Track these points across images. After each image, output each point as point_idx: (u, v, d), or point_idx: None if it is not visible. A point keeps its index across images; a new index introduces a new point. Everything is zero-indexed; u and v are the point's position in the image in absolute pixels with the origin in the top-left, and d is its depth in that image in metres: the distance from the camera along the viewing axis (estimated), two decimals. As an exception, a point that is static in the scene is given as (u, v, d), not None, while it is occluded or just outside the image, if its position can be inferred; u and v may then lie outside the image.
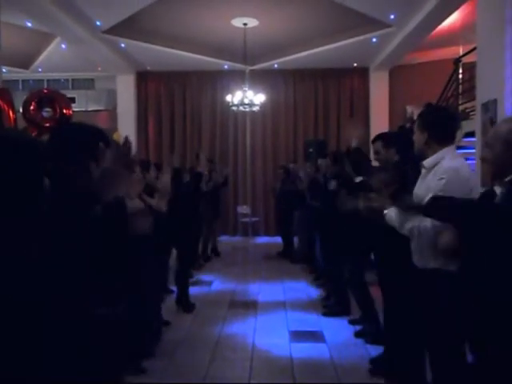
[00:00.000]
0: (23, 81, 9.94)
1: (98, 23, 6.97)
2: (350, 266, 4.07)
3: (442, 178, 2.11)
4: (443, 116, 2.34)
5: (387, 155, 3.36)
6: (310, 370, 3.26)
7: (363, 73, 9.77)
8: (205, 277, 6.14)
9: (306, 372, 3.22)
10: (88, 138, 1.76)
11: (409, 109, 8.85)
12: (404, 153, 3.06)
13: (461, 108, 6.59)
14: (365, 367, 3.23)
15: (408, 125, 6.64)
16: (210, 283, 5.84)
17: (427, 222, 2.10)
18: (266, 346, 3.69)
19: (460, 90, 6.94)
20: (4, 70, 9.36)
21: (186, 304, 4.67)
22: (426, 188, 2.22)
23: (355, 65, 9.55)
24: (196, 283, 5.71)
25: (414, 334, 2.68)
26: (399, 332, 2.92)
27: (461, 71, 6.85)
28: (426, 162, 2.28)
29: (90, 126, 1.95)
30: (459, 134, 5.62)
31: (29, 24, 7.27)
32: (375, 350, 3.42)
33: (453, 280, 2.11)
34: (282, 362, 3.39)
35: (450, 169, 2.14)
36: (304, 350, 3.59)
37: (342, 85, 9.84)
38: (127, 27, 7.44)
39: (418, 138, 2.31)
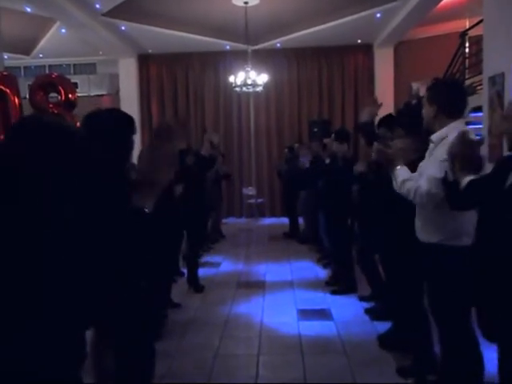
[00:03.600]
0: (25, 67, 9.89)
1: (97, 6, 6.88)
2: (359, 243, 4.10)
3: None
4: (453, 88, 2.30)
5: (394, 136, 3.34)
6: (318, 346, 3.31)
7: (367, 50, 9.62)
8: (213, 258, 6.20)
9: (314, 348, 3.27)
10: (121, 126, 1.74)
11: (414, 85, 8.71)
12: (412, 130, 3.03)
13: (467, 83, 6.48)
14: (373, 343, 3.27)
15: (414, 101, 6.56)
16: (219, 264, 5.90)
17: (423, 188, 2.13)
18: (274, 324, 3.75)
19: (466, 65, 6.82)
20: (5, 57, 9.32)
21: (195, 285, 4.74)
22: (433, 161, 2.21)
23: (359, 41, 9.41)
24: (204, 265, 5.77)
25: (421, 308, 2.71)
26: (406, 306, 2.95)
27: (467, 45, 6.72)
28: (434, 137, 2.26)
29: (122, 113, 1.91)
30: (466, 109, 5.56)
31: (28, 9, 7.20)
32: (383, 327, 3.46)
33: (458, 254, 2.12)
34: (290, 339, 3.44)
35: None
36: (312, 328, 3.64)
37: (345, 62, 9.71)
38: (127, 9, 7.34)
39: (427, 111, 2.28)
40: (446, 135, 2.19)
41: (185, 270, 4.95)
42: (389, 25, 8.21)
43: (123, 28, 7.95)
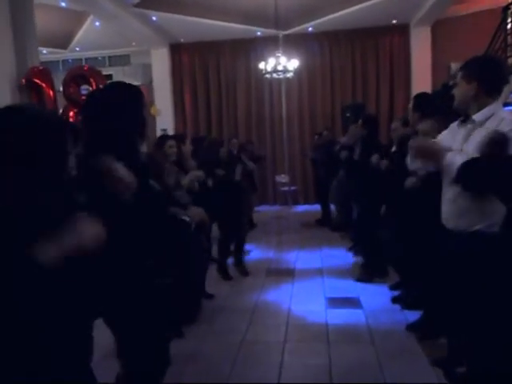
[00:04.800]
0: (63, 61, 10.21)
1: (128, -3, 6.98)
2: (389, 231, 4.00)
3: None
4: (496, 64, 2.14)
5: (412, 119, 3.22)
6: (345, 334, 3.27)
7: (403, 30, 9.26)
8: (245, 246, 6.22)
9: (340, 336, 3.24)
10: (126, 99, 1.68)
11: (453, 66, 8.33)
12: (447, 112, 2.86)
13: (510, 61, 6.13)
14: (401, 333, 3.21)
15: (451, 82, 6.27)
16: (249, 252, 5.92)
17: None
18: (301, 312, 3.74)
19: (508, 41, 6.43)
20: (44, 52, 9.68)
21: (225, 273, 4.79)
22: (473, 144, 2.06)
23: (394, 22, 9.06)
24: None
25: (451, 298, 2.62)
26: (436, 296, 2.86)
27: (509, 20, 6.33)
28: (477, 116, 2.08)
29: (127, 86, 1.84)
30: (507, 89, 5.25)
31: (63, 3, 7.39)
32: (413, 316, 3.38)
33: (492, 242, 2.03)
34: (317, 327, 3.42)
35: None
36: (340, 316, 3.61)
37: (380, 44, 9.40)
38: (158, 0, 7.41)
39: (464, 89, 2.10)
40: (490, 114, 2.05)
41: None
42: (426, 2, 7.85)
43: (154, 18, 8.03)
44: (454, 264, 2.27)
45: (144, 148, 1.78)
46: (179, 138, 4.17)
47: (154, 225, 1.75)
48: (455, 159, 1.98)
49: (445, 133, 2.38)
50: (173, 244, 1.97)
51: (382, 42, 9.38)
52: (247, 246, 6.19)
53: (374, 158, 4.01)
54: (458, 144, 2.13)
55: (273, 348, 3.11)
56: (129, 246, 1.59)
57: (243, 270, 4.94)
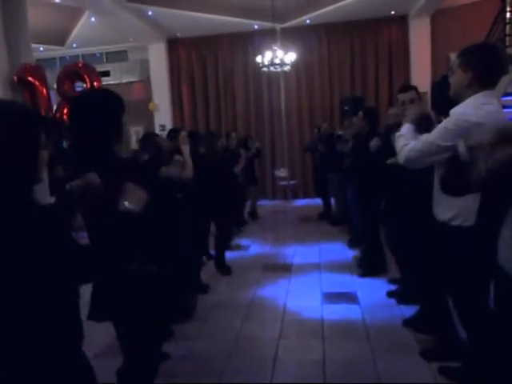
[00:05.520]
0: (60, 58, 10.15)
1: (122, -8, 6.92)
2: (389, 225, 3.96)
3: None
4: (492, 54, 2.04)
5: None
6: (340, 329, 3.25)
7: (402, 21, 9.16)
8: (243, 241, 6.21)
9: (336, 332, 3.21)
10: (108, 110, 1.73)
11: (452, 56, 8.20)
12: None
13: (509, 51, 6.04)
14: (397, 328, 3.18)
15: (450, 73, 6.20)
16: (248, 247, 5.90)
17: (411, 144, 2.11)
18: (297, 307, 3.71)
19: (507, 31, 6.34)
20: (41, 49, 9.63)
21: (222, 268, 4.77)
22: (439, 127, 2.07)
23: (393, 13, 8.96)
24: (233, 248, 5.79)
25: (443, 290, 2.59)
26: (429, 289, 2.83)
27: (508, 9, 6.23)
28: (454, 109, 2.07)
29: (111, 94, 1.88)
30: (506, 79, 5.17)
31: (57, 0, 7.33)
32: (409, 311, 3.34)
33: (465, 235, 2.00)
34: (312, 322, 3.39)
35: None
36: (336, 312, 3.58)
37: (379, 36, 9.30)
38: (153, -6, 7.36)
39: (460, 78, 2.04)
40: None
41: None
42: (425, -8, 7.75)
43: (150, 13, 7.97)
44: (441, 256, 2.25)
45: (121, 148, 1.79)
46: (174, 132, 4.13)
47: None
48: (403, 129, 2.22)
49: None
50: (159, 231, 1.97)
51: (380, 33, 9.28)
52: (245, 241, 6.19)
53: (374, 141, 3.91)
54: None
55: (267, 344, 3.09)
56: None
57: (224, 268, 4.80)
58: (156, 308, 2.05)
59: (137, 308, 1.81)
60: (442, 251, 2.24)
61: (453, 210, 2.09)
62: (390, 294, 3.78)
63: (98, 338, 2.88)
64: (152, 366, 1.90)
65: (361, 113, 4.63)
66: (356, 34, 9.35)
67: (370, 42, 9.34)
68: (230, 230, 5.64)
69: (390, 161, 3.15)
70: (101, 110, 1.70)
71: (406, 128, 2.22)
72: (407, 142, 2.13)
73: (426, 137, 2.07)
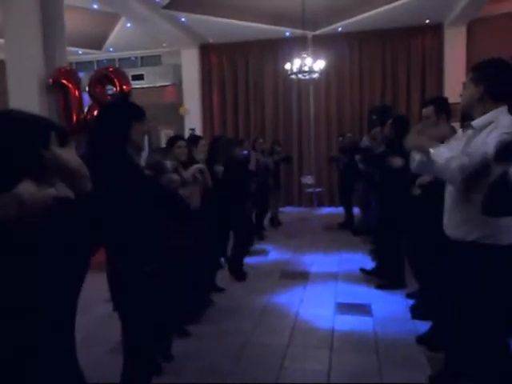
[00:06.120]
0: (97, 61, 10.52)
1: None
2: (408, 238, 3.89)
3: (507, 133, 1.85)
4: (504, 69, 2.04)
5: (438, 121, 3.15)
6: (349, 341, 3.21)
7: (436, 30, 8.98)
8: (262, 247, 6.24)
9: (345, 343, 3.18)
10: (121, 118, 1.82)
11: (488, 67, 7.99)
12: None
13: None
14: (409, 343, 3.12)
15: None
16: (267, 253, 5.92)
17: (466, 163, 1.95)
18: (309, 316, 3.70)
19: (546, 42, 6.11)
20: (80, 52, 10.03)
21: (238, 273, 4.81)
22: (475, 149, 2.00)
23: (427, 21, 8.80)
24: (253, 253, 5.83)
25: (457, 309, 2.52)
26: (443, 307, 2.76)
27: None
28: (477, 122, 2.04)
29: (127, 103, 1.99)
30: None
31: (95, 6, 7.63)
32: (424, 326, 3.27)
33: (490, 253, 1.94)
34: (322, 332, 3.37)
35: None
36: (348, 323, 3.54)
37: (412, 45, 9.16)
38: (186, 1, 7.52)
39: (471, 92, 2.04)
40: (491, 120, 1.98)
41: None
42: (460, 1, 7.57)
43: (183, 19, 8.16)
44: (454, 274, 2.20)
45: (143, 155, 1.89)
46: (192, 140, 4.21)
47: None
48: (441, 151, 2.03)
49: (452, 139, 2.30)
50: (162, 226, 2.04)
51: (413, 42, 9.13)
52: (265, 247, 6.21)
53: (397, 160, 3.83)
54: (459, 150, 2.06)
55: (275, 351, 3.09)
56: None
57: (239, 274, 4.81)
58: (162, 308, 2.11)
59: (143, 307, 1.87)
60: (456, 269, 2.18)
61: (474, 227, 2.02)
62: (411, 308, 3.70)
63: (113, 334, 2.97)
64: (150, 367, 1.95)
65: (390, 120, 4.57)
66: (388, 42, 9.24)
67: (402, 51, 9.20)
68: (248, 236, 5.64)
69: (415, 191, 3.13)
70: (109, 116, 1.78)
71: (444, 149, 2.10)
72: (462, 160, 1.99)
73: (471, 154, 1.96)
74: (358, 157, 5.41)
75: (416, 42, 9.13)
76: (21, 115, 1.19)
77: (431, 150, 2.08)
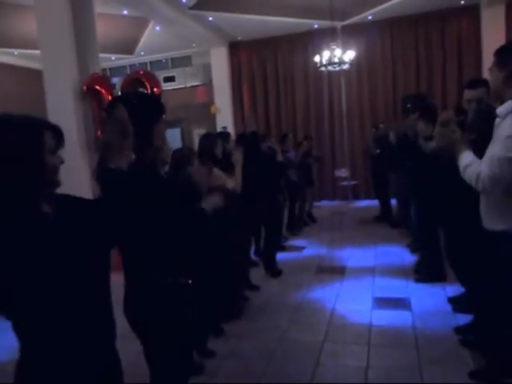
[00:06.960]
0: (130, 65, 10.76)
1: (183, 1, 7.18)
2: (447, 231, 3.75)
3: None
4: None
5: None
6: (387, 336, 3.14)
7: (473, 11, 8.57)
8: (298, 242, 6.20)
9: (383, 339, 3.12)
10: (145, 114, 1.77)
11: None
12: None
13: None
14: (450, 338, 3.02)
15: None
16: (302, 249, 5.89)
17: (484, 172, 1.89)
18: (346, 311, 3.65)
19: None
20: (113, 58, 10.29)
21: (272, 270, 4.80)
22: (497, 138, 1.93)
23: (462, 2, 8.43)
24: (288, 249, 5.81)
25: (499, 302, 2.41)
26: (485, 300, 2.65)
27: None
28: (500, 109, 1.97)
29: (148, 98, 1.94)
30: None
31: (125, 11, 7.79)
32: (465, 320, 3.15)
33: None
34: (359, 327, 3.32)
35: None
36: (386, 318, 3.47)
37: (446, 29, 8.79)
38: (213, 0, 7.56)
39: (496, 76, 1.99)
40: None
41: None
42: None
43: (210, 19, 8.20)
44: (492, 266, 2.11)
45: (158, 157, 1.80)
46: (224, 136, 4.24)
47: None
48: (464, 157, 2.02)
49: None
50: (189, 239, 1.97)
51: (448, 25, 8.76)
52: (301, 242, 6.17)
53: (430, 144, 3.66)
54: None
55: (311, 347, 3.07)
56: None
57: (274, 271, 4.79)
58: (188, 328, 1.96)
59: (167, 329, 1.72)
60: (495, 262, 2.10)
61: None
62: (450, 300, 3.58)
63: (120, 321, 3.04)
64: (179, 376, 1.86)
65: (417, 112, 4.41)
66: (421, 27, 8.92)
67: (436, 36, 8.86)
68: (279, 233, 5.59)
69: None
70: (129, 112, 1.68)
71: (469, 156, 2.03)
72: (477, 170, 1.96)
73: (492, 155, 1.90)
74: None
75: (451, 25, 8.77)
76: (10, 118, 1.21)
77: (459, 155, 2.05)
